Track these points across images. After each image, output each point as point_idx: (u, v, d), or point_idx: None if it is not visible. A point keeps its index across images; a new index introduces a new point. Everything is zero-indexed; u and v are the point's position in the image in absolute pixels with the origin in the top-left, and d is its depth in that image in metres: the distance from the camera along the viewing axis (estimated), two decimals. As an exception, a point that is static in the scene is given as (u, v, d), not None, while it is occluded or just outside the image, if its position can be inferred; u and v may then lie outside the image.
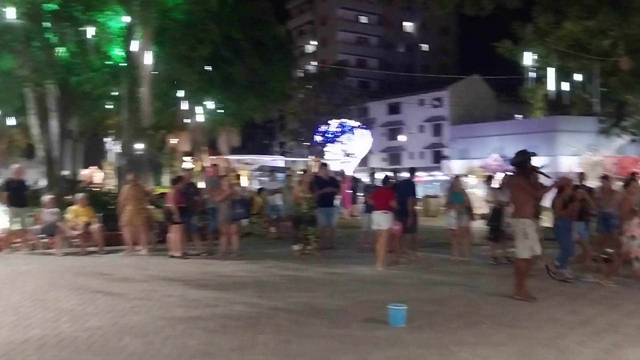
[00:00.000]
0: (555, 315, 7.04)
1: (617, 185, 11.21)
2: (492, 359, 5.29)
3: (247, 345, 5.64)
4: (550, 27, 13.84)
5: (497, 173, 16.41)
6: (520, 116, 50.71)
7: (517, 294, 7.85)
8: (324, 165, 15.49)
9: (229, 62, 18.33)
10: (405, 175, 13.40)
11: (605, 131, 14.65)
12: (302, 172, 16.05)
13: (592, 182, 12.10)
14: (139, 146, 21.54)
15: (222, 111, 20.32)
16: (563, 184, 9.61)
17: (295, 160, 31.89)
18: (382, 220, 10.66)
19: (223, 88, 18.97)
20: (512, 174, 8.25)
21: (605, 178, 11.09)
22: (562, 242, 9.49)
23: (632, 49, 11.92)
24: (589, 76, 13.35)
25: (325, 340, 5.82)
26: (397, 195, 12.27)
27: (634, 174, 12.19)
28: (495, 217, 11.54)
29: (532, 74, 14.29)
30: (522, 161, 8.09)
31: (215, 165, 16.83)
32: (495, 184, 12.08)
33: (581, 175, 11.65)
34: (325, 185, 13.52)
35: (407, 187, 12.20)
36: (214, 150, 25.97)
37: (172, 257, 11.86)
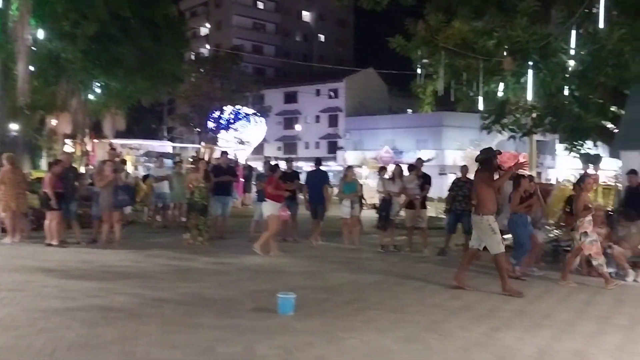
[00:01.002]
0: (439, 301, 7.33)
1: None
2: (378, 344, 5.39)
3: (129, 337, 5.37)
4: (440, 25, 14.31)
5: (389, 164, 16.86)
6: (411, 110, 52.65)
7: (504, 289, 7.84)
8: (225, 153, 15.19)
9: (117, 41, 17.38)
10: (303, 165, 13.64)
11: (487, 127, 15.43)
12: (195, 159, 15.56)
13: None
14: (14, 127, 19.98)
15: (108, 92, 19.26)
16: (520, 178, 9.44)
17: (185, 147, 30.99)
18: (269, 208, 10.73)
19: (109, 68, 17.97)
20: (477, 170, 8.22)
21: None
22: (518, 237, 9.22)
23: (514, 50, 12.60)
24: (474, 74, 13.97)
25: (213, 331, 5.67)
26: (310, 184, 12.53)
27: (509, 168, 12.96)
28: (384, 207, 11.86)
29: (423, 70, 14.74)
30: (487, 158, 8.24)
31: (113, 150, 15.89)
32: (387, 175, 12.39)
33: (463, 169, 12.20)
34: (224, 174, 13.29)
35: (320, 176, 12.81)
36: (97, 133, 24.67)
37: (49, 245, 11.11)
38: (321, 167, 13.56)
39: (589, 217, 8.51)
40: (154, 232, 14.32)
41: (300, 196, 13.17)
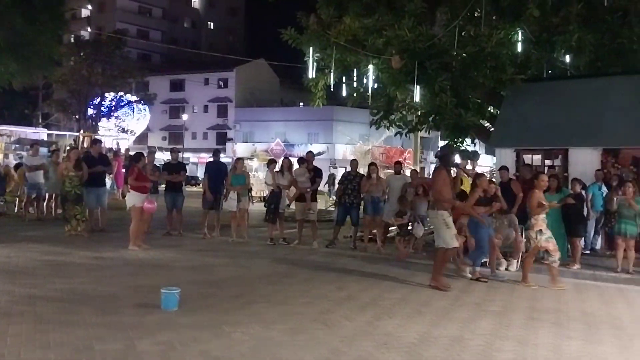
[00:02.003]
0: (325, 291, 7.43)
1: (384, 173, 12.23)
2: (264, 337, 5.35)
3: (-6, 338, 4.94)
4: (332, 20, 14.47)
5: (280, 157, 16.84)
6: (302, 104, 53.04)
7: (433, 281, 7.95)
8: (96, 141, 14.42)
9: (-16, 19, 15.95)
10: (190, 156, 13.29)
11: (375, 123, 15.85)
12: (70, 148, 14.71)
13: (363, 169, 13.04)
14: None
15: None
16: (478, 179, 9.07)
17: (62, 134, 29.08)
18: (131, 200, 10.43)
19: (-24, 48, 16.47)
20: (436, 167, 8.33)
21: (373, 165, 12.01)
22: (478, 239, 8.92)
23: (402, 49, 13.00)
24: (364, 71, 14.27)
25: (91, 328, 5.37)
26: (210, 175, 12.20)
27: (397, 163, 13.44)
28: (274, 200, 11.82)
29: (314, 64, 14.84)
30: (445, 155, 8.34)
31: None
32: (276, 167, 12.35)
33: (353, 163, 12.46)
34: (96, 164, 12.57)
35: (219, 168, 12.68)
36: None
37: None
38: (220, 159, 13.34)
39: (543, 215, 8.40)
40: (26, 225, 13.33)
41: (186, 188, 12.86)
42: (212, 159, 13.29)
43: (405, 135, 16.11)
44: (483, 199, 8.90)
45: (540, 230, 8.36)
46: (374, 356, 4.93)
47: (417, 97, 13.51)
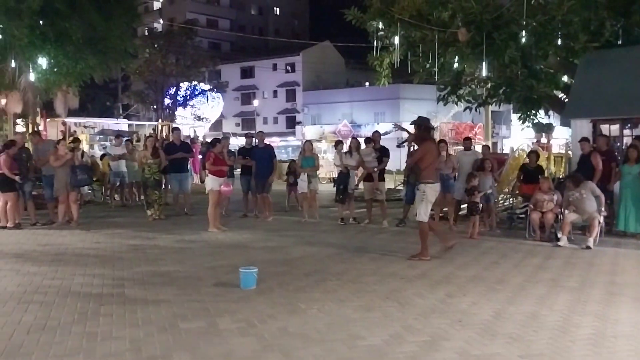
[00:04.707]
0: (396, 270, 7.49)
1: (454, 149, 12.09)
2: (338, 314, 5.49)
3: (89, 317, 5.34)
4: (395, -4, 14.31)
5: (348, 138, 16.94)
6: (368, 83, 52.74)
7: (417, 255, 8.16)
8: (177, 129, 15.05)
9: (64, 16, 16.75)
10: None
11: (443, 99, 15.61)
12: (147, 136, 15.46)
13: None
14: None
15: (57, 69, 18.59)
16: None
17: (141, 124, 30.36)
18: (209, 183, 10.84)
19: (58, 44, 17.35)
20: (422, 138, 8.18)
21: (442, 142, 11.89)
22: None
23: (468, 21, 12.71)
24: (429, 46, 14.05)
25: (174, 307, 5.68)
26: (257, 159, 12.51)
27: (467, 139, 13.25)
28: (342, 181, 11.95)
29: (379, 42, 14.75)
30: (429, 126, 8.30)
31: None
32: (344, 148, 12.47)
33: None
34: (177, 151, 13.22)
35: (266, 152, 12.74)
36: (49, 112, 23.92)
37: (3, 228, 10.85)
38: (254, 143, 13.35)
39: None
40: (112, 212, 14.13)
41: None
42: (256, 145, 13.17)
43: (475, 110, 15.77)
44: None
45: None
46: (449, 333, 4.95)
47: (485, 70, 13.19)
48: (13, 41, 16.25)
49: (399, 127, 9.77)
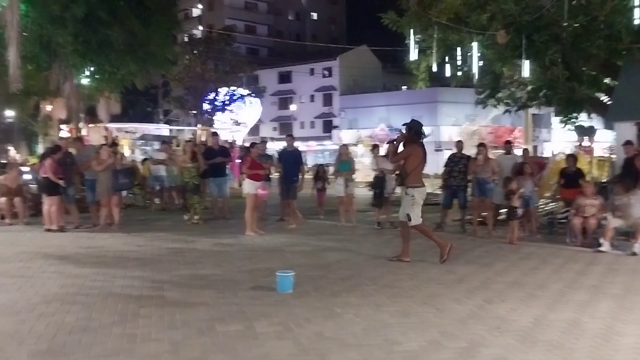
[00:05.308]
0: (433, 275, 7.42)
1: (493, 153, 11.93)
2: (375, 319, 5.47)
3: (129, 319, 5.44)
4: (432, 0, 14.22)
5: (385, 142, 16.88)
6: (405, 87, 52.46)
7: (398, 256, 8.30)
8: (215, 134, 15.28)
9: (106, 24, 17.20)
10: (299, 144, 13.62)
11: (482, 102, 15.41)
12: (187, 141, 15.74)
13: (470, 151, 12.77)
14: (9, 113, 19.89)
15: (100, 76, 19.11)
16: None
17: (181, 129, 30.89)
18: (246, 187, 10.95)
19: (100, 51, 17.82)
20: (410, 140, 8.34)
21: (481, 146, 11.74)
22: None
23: (507, 23, 12.53)
24: (468, 49, 13.90)
25: (212, 310, 5.75)
26: (283, 163, 12.58)
27: (507, 142, 13.04)
28: (379, 185, 11.91)
29: (416, 46, 14.67)
30: (419, 131, 8.35)
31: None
32: (380, 152, 12.43)
33: (458, 144, 12.24)
34: (216, 155, 13.40)
35: (294, 156, 12.73)
36: (92, 117, 24.57)
37: (48, 230, 11.17)
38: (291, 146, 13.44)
39: None
40: (152, 215, 14.40)
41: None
42: (284, 148, 13.25)
43: (515, 113, 15.53)
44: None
45: None
46: (487, 340, 4.88)
47: (525, 72, 12.97)
48: (58, 49, 16.75)
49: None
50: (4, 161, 19.08)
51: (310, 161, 40.87)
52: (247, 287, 6.73)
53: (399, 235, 8.57)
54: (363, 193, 15.35)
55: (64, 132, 23.81)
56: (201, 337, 4.95)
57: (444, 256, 8.13)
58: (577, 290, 6.59)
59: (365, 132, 48.87)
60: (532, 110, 18.74)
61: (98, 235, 10.86)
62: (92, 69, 18.56)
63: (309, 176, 14.68)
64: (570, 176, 11.00)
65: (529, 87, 14.60)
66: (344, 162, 12.49)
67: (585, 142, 14.77)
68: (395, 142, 9.25)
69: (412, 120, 8.62)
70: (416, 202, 8.14)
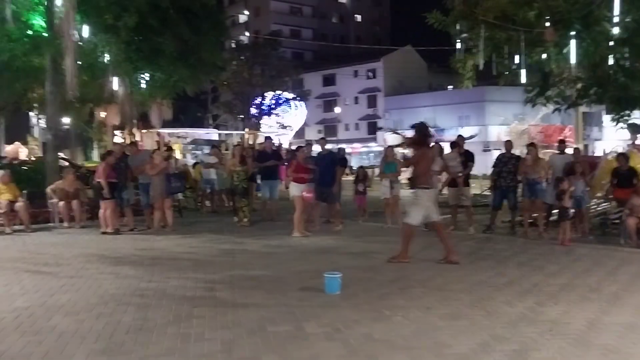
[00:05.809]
0: (483, 277, 7.34)
1: (543, 152, 11.71)
2: (424, 321, 5.47)
3: (183, 319, 5.60)
4: (478, -2, 14.06)
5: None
6: (451, 87, 51.84)
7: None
8: (268, 138, 15.51)
9: (157, 32, 17.65)
10: (345, 147, 13.70)
11: (531, 101, 15.13)
12: (236, 145, 16.06)
13: (519, 150, 12.58)
14: (66, 120, 20.62)
15: (152, 83, 19.63)
16: None
17: (230, 133, 31.44)
18: (293, 190, 11.09)
19: (151, 59, 18.29)
20: (418, 143, 8.42)
21: (531, 146, 11.54)
22: None
23: (555, 20, 12.29)
24: (515, 47, 13.69)
25: (262, 310, 5.85)
26: (321, 166, 12.53)
27: (561, 141, 12.77)
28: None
29: (462, 45, 14.53)
30: (426, 134, 8.40)
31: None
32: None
33: (507, 144, 12.05)
34: (269, 158, 13.62)
35: (332, 158, 12.72)
36: (145, 123, 25.25)
37: (104, 233, 11.57)
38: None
39: None
40: (204, 217, 14.72)
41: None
42: (320, 151, 13.18)
43: (564, 111, 15.19)
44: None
45: None
46: (539, 343, 4.81)
47: (575, 70, 12.69)
48: (112, 57, 17.29)
49: (395, 134, 9.81)
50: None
51: (354, 163, 40.89)
52: (296, 288, 6.82)
53: (437, 237, 8.54)
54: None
55: (118, 137, 24.57)
56: (252, 337, 5.05)
57: (396, 259, 8.21)
58: (634, 294, 6.42)
59: (410, 133, 48.53)
60: (583, 109, 18.28)
61: (152, 238, 11.18)
62: (144, 76, 19.07)
63: (349, 178, 14.67)
64: (623, 175, 10.70)
65: (579, 85, 14.26)
66: (390, 163, 12.46)
67: (638, 141, 14.27)
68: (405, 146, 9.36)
69: (420, 122, 8.65)
70: (419, 203, 8.14)
